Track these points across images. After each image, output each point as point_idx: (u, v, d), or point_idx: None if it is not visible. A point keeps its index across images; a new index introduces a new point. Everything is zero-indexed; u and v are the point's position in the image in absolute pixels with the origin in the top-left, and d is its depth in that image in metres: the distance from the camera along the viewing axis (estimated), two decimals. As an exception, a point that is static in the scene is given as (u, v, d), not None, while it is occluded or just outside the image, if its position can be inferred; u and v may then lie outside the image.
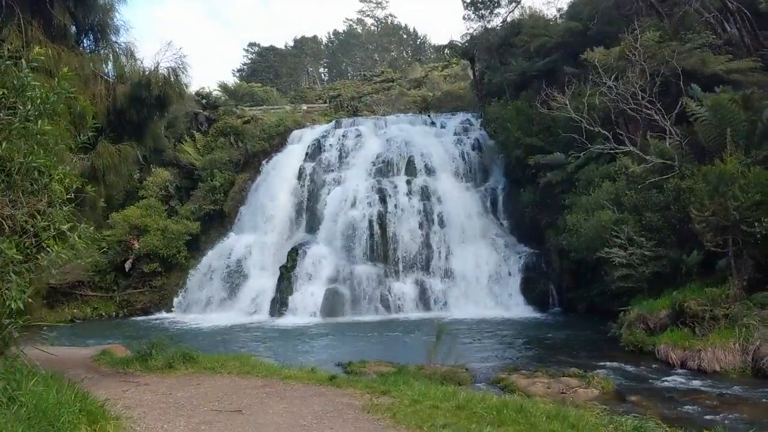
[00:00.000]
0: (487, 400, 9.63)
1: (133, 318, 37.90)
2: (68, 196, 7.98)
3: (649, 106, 24.59)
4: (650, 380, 16.52)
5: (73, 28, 13.68)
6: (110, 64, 13.80)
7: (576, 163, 30.68)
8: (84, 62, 12.78)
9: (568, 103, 25.27)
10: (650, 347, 19.18)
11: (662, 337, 18.91)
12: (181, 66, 12.92)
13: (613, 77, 26.23)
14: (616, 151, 24.64)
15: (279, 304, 33.67)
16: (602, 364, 18.39)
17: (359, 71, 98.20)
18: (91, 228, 8.08)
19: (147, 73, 12.73)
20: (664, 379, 16.52)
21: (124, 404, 8.91)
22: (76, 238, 7.67)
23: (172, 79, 12.78)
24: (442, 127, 44.07)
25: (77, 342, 28.61)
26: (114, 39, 13.81)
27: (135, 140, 13.30)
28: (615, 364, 18.28)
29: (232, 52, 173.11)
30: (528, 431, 8.25)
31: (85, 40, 14.13)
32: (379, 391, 9.86)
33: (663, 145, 23.31)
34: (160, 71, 12.97)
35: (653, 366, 17.91)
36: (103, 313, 38.90)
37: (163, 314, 37.64)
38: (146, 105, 12.92)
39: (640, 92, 24.12)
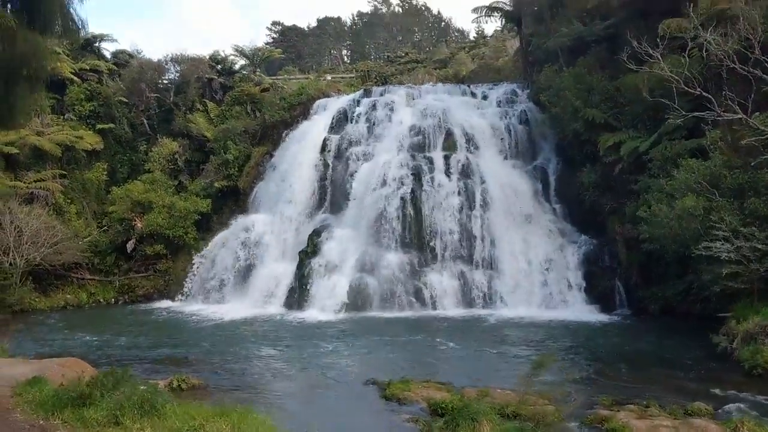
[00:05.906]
0: None
1: (134, 306, 33.69)
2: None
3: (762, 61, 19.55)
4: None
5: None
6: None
7: (650, 139, 26.04)
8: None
9: (660, 58, 20.23)
10: (788, 372, 14.50)
11: (807, 360, 14.20)
12: None
13: (708, 30, 21.23)
14: (724, 118, 19.69)
15: (297, 296, 29.22)
16: (727, 394, 13.75)
17: (383, 53, 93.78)
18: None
19: None
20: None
21: None
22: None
23: None
24: (484, 98, 38.77)
25: (58, 336, 24.59)
26: None
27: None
28: (747, 395, 13.61)
29: (254, 34, 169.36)
30: None
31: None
32: None
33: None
34: None
35: (804, 401, 13.24)
36: (101, 299, 34.64)
37: (167, 302, 33.32)
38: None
39: (755, 44, 19.04)
